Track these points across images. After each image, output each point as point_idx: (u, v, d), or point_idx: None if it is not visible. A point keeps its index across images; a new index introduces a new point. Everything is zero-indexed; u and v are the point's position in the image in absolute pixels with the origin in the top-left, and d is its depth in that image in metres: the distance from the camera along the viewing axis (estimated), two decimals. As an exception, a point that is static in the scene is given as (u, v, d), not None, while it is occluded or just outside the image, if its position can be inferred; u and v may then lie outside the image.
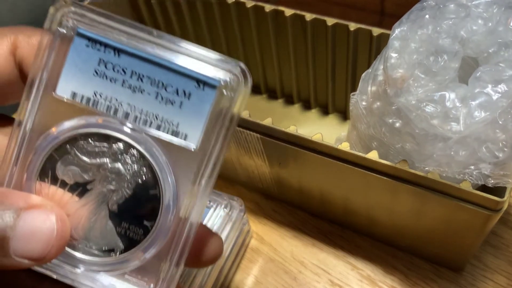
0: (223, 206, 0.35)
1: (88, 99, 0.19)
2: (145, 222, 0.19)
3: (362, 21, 0.38)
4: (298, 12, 0.40)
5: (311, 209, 0.41)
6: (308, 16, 0.40)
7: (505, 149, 0.26)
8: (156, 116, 0.19)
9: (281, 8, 0.41)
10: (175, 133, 0.19)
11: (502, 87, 0.25)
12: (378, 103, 0.30)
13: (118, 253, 0.20)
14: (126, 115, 0.19)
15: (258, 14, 0.42)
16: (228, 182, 0.44)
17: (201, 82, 0.19)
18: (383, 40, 0.37)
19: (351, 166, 0.31)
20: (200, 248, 0.22)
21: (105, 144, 0.19)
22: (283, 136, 0.32)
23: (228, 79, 0.19)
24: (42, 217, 0.18)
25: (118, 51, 0.19)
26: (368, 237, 0.39)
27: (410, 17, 0.28)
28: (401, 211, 0.33)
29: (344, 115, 0.47)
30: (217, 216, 0.35)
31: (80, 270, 0.20)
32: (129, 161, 0.19)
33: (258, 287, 0.38)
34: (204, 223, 0.34)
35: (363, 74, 0.32)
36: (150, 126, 0.19)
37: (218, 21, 0.45)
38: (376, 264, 0.38)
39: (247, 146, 0.35)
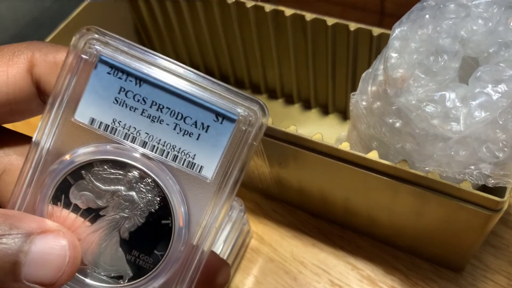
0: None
1: (107, 126, 0.19)
2: (156, 251, 0.20)
3: (362, 21, 0.38)
4: (298, 12, 0.40)
5: (311, 209, 0.41)
6: (308, 16, 0.39)
7: (505, 149, 0.26)
8: (173, 147, 0.19)
9: (281, 8, 0.41)
10: (191, 164, 0.19)
11: (502, 87, 0.25)
12: (378, 103, 0.30)
13: (126, 280, 0.20)
14: (144, 144, 0.19)
15: (258, 14, 0.42)
16: (228, 182, 0.44)
17: (220, 115, 0.19)
18: (383, 40, 0.37)
19: (351, 166, 0.31)
20: (209, 276, 0.22)
21: (121, 172, 0.20)
22: (283, 136, 0.32)
23: (246, 114, 0.19)
24: (55, 242, 0.18)
25: (139, 80, 0.19)
26: (368, 237, 0.39)
27: (410, 17, 0.28)
28: (401, 211, 0.33)
29: (344, 115, 0.47)
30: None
31: None
32: (143, 189, 0.20)
33: (258, 287, 0.38)
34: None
35: (363, 74, 0.32)
36: (167, 156, 0.19)
37: (218, 21, 0.45)
38: (376, 264, 0.38)
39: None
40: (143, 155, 0.19)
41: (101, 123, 0.19)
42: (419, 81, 0.26)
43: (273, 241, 0.40)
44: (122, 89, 0.19)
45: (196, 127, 0.19)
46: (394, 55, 0.28)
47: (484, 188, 0.28)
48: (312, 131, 0.32)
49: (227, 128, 0.19)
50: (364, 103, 0.32)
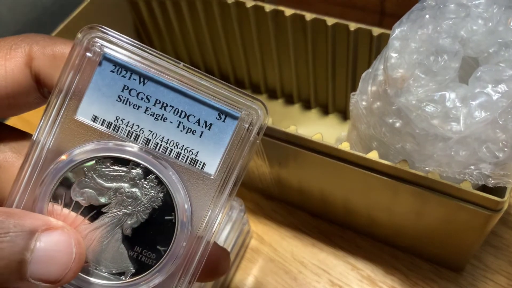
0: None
1: (109, 124, 0.20)
2: (159, 247, 0.20)
3: (362, 21, 0.38)
4: (298, 12, 0.40)
5: (311, 209, 0.41)
6: (308, 16, 0.39)
7: (505, 149, 0.26)
8: (176, 144, 0.20)
9: (281, 8, 0.41)
10: (194, 161, 0.20)
11: (502, 87, 0.25)
12: (378, 103, 0.30)
13: (128, 277, 0.20)
14: (147, 142, 0.20)
15: (258, 14, 0.42)
16: (228, 182, 0.44)
17: (223, 114, 0.19)
18: (383, 40, 0.37)
19: (351, 166, 0.31)
20: (210, 265, 0.22)
21: (124, 169, 0.20)
22: (283, 136, 0.32)
23: (248, 113, 0.19)
24: (61, 239, 0.18)
25: (144, 78, 0.19)
26: (368, 237, 0.39)
27: (410, 17, 0.28)
28: (401, 211, 0.33)
29: (344, 115, 0.47)
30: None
31: None
32: (147, 186, 0.20)
33: (258, 287, 0.38)
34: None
35: (363, 74, 0.32)
36: (170, 153, 0.20)
37: (218, 21, 0.45)
38: (376, 264, 0.38)
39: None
40: (147, 152, 0.20)
41: (104, 120, 0.20)
42: (419, 81, 0.26)
43: (273, 241, 0.40)
44: (126, 87, 0.19)
45: (199, 125, 0.20)
46: (394, 55, 0.28)
47: (484, 188, 0.28)
48: (312, 131, 0.32)
49: (230, 126, 0.20)
50: (364, 103, 0.32)
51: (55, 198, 0.20)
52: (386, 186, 0.30)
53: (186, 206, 0.20)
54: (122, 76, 0.19)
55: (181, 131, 0.20)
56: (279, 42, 0.43)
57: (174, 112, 0.19)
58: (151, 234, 0.20)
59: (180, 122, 0.20)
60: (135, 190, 0.20)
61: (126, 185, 0.20)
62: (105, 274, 0.20)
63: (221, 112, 0.19)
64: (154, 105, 0.19)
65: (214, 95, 0.19)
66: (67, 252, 0.18)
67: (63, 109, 0.19)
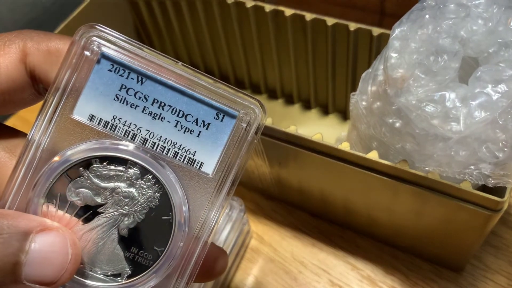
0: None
1: (106, 123, 0.19)
2: (155, 247, 0.20)
3: (362, 21, 0.38)
4: (298, 12, 0.40)
5: (311, 209, 0.41)
6: (308, 16, 0.39)
7: (505, 149, 0.26)
8: (174, 144, 0.20)
9: (281, 8, 0.41)
10: (192, 161, 0.20)
11: (502, 87, 0.25)
12: (378, 103, 0.30)
13: (124, 278, 0.20)
14: (144, 141, 0.19)
15: (258, 14, 0.42)
16: (228, 182, 0.44)
17: (221, 113, 0.19)
18: (383, 40, 0.37)
19: (351, 166, 0.31)
20: (207, 264, 0.22)
21: (121, 168, 0.19)
22: (283, 136, 0.32)
23: (246, 112, 0.19)
24: (56, 240, 0.18)
25: (141, 78, 0.19)
26: (368, 238, 0.39)
27: (410, 17, 0.28)
28: (401, 211, 0.33)
29: (344, 115, 0.47)
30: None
31: None
32: (144, 186, 0.19)
33: (258, 287, 0.38)
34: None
35: (363, 74, 0.32)
36: (167, 153, 0.20)
37: (218, 21, 0.45)
38: (376, 264, 0.38)
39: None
40: (144, 151, 0.19)
41: (100, 119, 0.19)
42: (419, 81, 0.26)
43: (273, 241, 0.40)
44: (124, 86, 0.19)
45: (197, 124, 0.19)
46: (394, 55, 0.28)
47: (484, 188, 0.28)
48: (312, 131, 0.32)
49: (228, 126, 0.19)
50: (364, 103, 0.32)
51: (50, 198, 0.19)
52: (386, 186, 0.30)
53: (183, 206, 0.20)
54: (120, 75, 0.19)
55: (178, 130, 0.19)
56: (279, 42, 0.43)
57: (172, 112, 0.19)
58: (148, 235, 0.20)
59: (177, 121, 0.19)
60: (132, 190, 0.19)
61: (122, 184, 0.19)
62: (101, 276, 0.20)
63: (219, 111, 0.19)
64: (152, 104, 0.19)
65: (212, 94, 0.19)
66: (63, 253, 0.18)
67: (59, 108, 0.19)
